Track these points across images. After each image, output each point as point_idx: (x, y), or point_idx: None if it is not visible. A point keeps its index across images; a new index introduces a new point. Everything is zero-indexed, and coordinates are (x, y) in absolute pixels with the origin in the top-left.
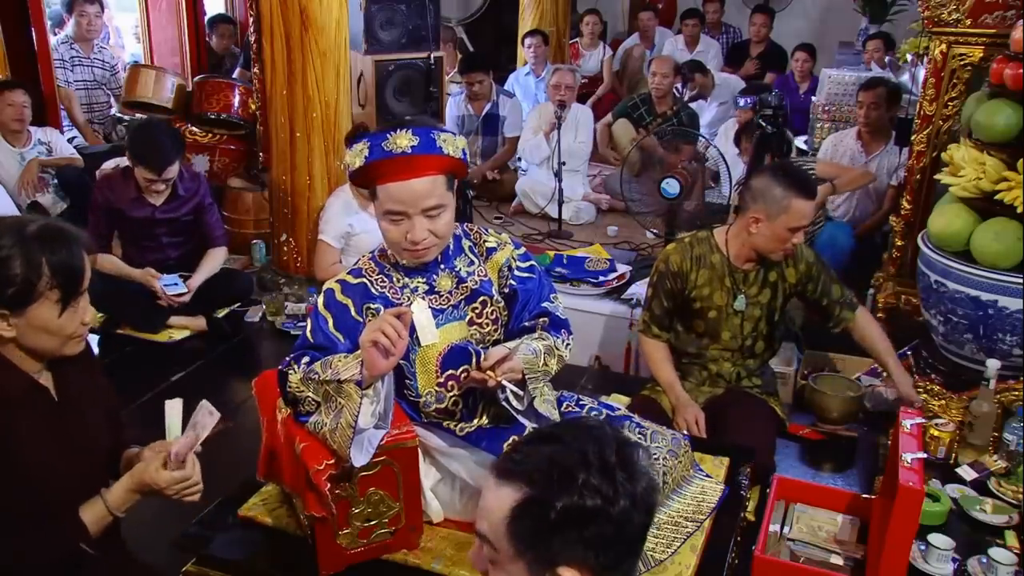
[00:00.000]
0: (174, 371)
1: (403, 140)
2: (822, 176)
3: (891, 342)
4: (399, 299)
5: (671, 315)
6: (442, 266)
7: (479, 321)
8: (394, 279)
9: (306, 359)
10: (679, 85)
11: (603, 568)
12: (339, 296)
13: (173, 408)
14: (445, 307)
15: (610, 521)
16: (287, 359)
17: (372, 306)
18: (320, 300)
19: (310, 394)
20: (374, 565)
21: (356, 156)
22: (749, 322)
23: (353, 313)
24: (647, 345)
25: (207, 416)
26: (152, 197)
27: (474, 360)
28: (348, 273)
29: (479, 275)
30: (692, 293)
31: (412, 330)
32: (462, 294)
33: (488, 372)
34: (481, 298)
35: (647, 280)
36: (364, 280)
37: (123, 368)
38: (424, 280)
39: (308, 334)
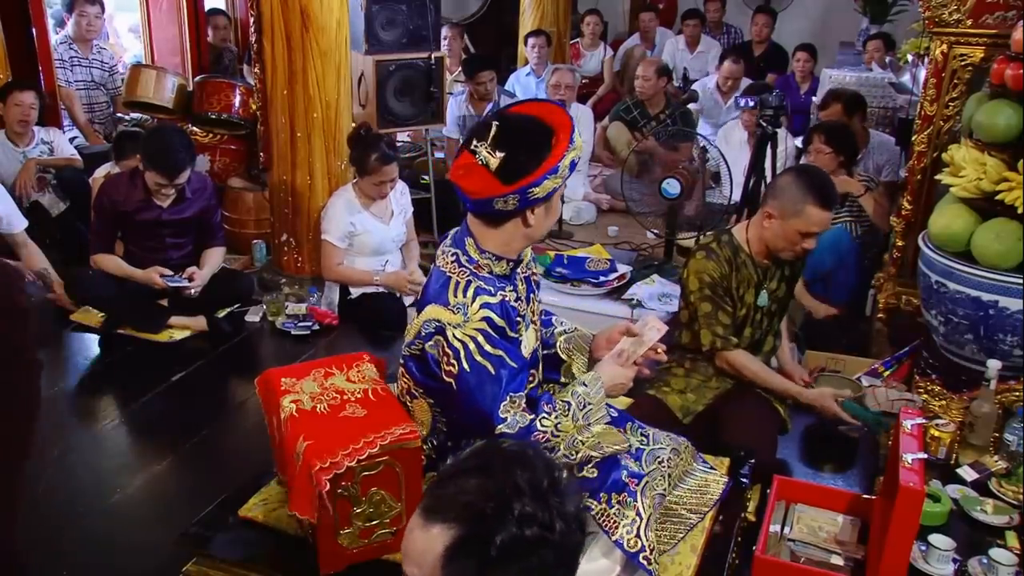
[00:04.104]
0: (174, 371)
1: None
2: None
3: (891, 343)
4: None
5: (735, 320)
6: (515, 272)
7: (535, 322)
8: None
9: (547, 404)
10: (679, 85)
11: None
12: (498, 320)
13: None
14: (525, 312)
15: (550, 547)
16: (530, 418)
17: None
18: (479, 331)
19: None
20: (374, 565)
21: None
22: (766, 317)
23: (509, 332)
24: (738, 358)
25: None
26: (160, 200)
27: (540, 368)
28: (479, 296)
29: (520, 275)
30: (734, 296)
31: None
32: (523, 298)
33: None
34: (532, 297)
35: (690, 300)
36: (498, 298)
37: (123, 368)
38: (512, 288)
39: (510, 361)
